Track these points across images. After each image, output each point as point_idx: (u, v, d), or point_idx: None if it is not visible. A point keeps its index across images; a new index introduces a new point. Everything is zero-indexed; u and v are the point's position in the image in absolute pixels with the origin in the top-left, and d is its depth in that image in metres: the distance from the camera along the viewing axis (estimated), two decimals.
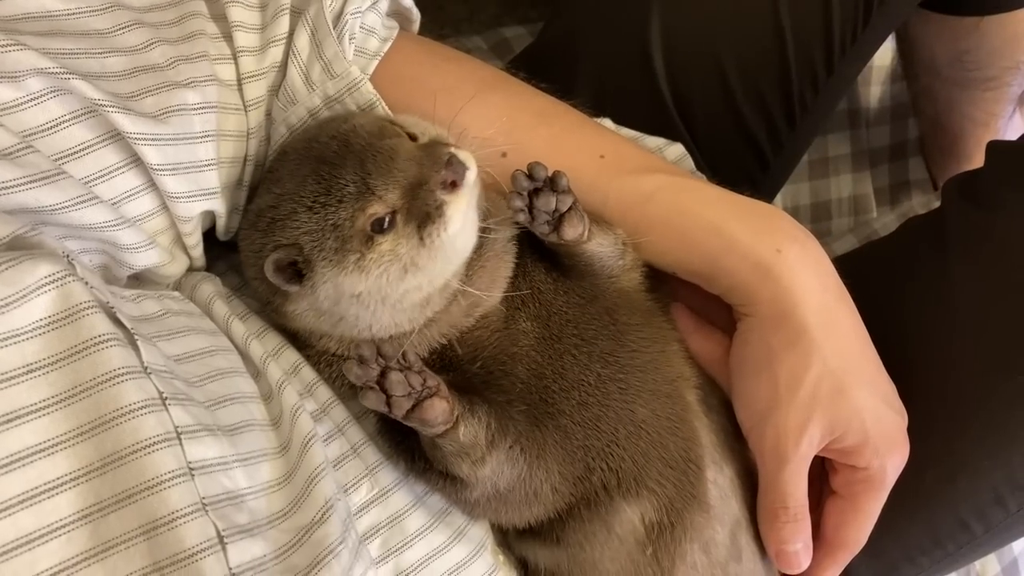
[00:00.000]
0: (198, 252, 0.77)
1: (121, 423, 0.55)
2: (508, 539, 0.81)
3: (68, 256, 0.57)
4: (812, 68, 0.98)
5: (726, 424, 0.80)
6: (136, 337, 0.58)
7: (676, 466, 0.74)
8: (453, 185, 0.67)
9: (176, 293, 0.75)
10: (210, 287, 0.78)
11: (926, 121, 1.36)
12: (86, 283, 0.57)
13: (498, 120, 0.80)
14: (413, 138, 0.72)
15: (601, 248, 0.76)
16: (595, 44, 1.01)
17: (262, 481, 0.63)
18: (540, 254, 0.77)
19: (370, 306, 0.70)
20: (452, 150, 0.68)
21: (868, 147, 1.41)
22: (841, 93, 1.05)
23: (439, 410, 0.64)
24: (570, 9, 1.05)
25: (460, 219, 0.67)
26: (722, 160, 1.00)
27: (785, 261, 0.75)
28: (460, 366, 0.73)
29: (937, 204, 1.25)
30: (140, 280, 0.75)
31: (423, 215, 0.67)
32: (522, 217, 0.71)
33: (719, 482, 0.77)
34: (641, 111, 0.94)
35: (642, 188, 0.78)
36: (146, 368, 0.58)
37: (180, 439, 0.57)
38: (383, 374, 0.62)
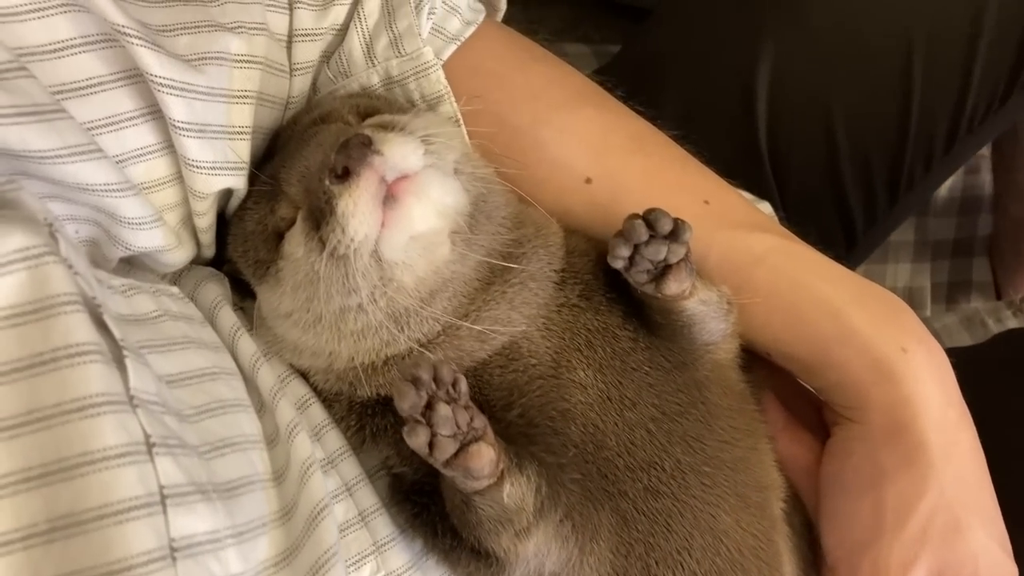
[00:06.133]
0: (208, 238, 0.63)
1: (88, 474, 0.40)
2: None
3: (51, 225, 0.42)
4: (931, 142, 0.87)
5: (806, 552, 0.69)
6: (125, 352, 0.43)
7: None
8: (345, 173, 0.54)
9: (175, 289, 0.61)
10: (216, 288, 0.64)
11: (1006, 220, 1.26)
12: (69, 266, 0.42)
13: (588, 138, 0.68)
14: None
15: (703, 307, 0.63)
16: (689, 72, 0.90)
17: (258, 561, 0.51)
18: (619, 292, 0.65)
19: (308, 329, 0.60)
20: (366, 131, 0.56)
21: (932, 238, 1.30)
22: (947, 176, 0.95)
23: (486, 459, 0.52)
24: (665, 28, 0.93)
25: (362, 220, 0.55)
26: (808, 227, 0.88)
27: (909, 364, 0.63)
28: (492, 412, 0.61)
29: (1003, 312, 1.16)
30: (132, 265, 0.60)
31: (318, 212, 0.56)
32: (620, 265, 0.59)
33: None
34: (729, 154, 0.82)
35: (752, 247, 0.66)
36: (132, 398, 0.43)
37: (165, 505, 0.42)
38: (429, 404, 0.51)
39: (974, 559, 0.62)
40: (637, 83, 0.88)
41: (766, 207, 0.82)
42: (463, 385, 0.53)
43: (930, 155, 0.88)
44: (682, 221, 0.58)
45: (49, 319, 0.41)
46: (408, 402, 0.50)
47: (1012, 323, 1.20)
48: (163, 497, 0.42)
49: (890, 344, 0.63)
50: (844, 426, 0.66)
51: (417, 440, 0.51)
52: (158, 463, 0.43)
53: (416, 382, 0.51)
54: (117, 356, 0.44)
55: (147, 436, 0.43)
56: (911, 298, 1.29)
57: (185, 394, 0.52)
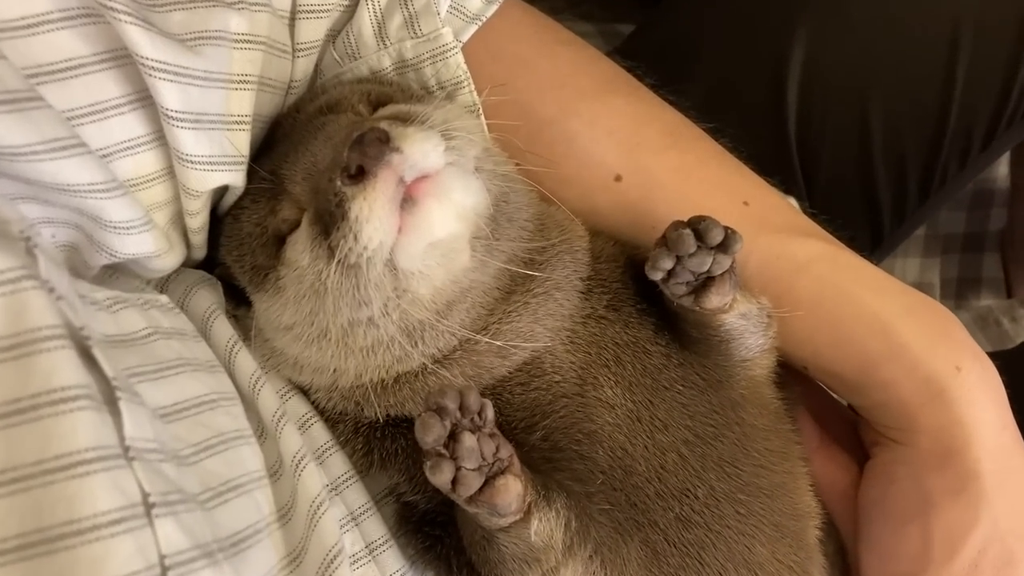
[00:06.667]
0: (200, 239, 0.57)
1: (76, 547, 0.33)
2: None
3: (28, 239, 0.36)
4: (968, 137, 0.82)
5: None
6: (118, 394, 0.37)
7: None
8: (360, 173, 0.48)
9: (164, 298, 0.54)
10: (209, 296, 0.58)
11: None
12: (51, 290, 0.35)
13: (619, 132, 0.62)
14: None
15: (743, 321, 0.59)
16: (715, 57, 0.84)
17: None
18: (649, 302, 0.60)
19: (312, 343, 0.54)
20: (383, 124, 0.49)
21: (942, 231, 1.25)
22: (978, 173, 0.89)
23: (514, 493, 0.47)
24: (688, 10, 0.88)
25: (377, 226, 0.49)
26: (834, 223, 0.83)
27: (963, 384, 0.58)
28: (514, 435, 0.55)
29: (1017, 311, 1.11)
30: (115, 269, 0.53)
31: (327, 215, 0.50)
32: (659, 277, 0.54)
33: None
34: (755, 141, 0.76)
35: (795, 255, 0.61)
36: (128, 449, 0.37)
37: None
38: (453, 435, 0.46)
39: None
40: (658, 67, 0.82)
41: (792, 202, 0.76)
42: (489, 412, 0.48)
43: (967, 151, 0.83)
44: (732, 231, 0.52)
45: (28, 358, 0.34)
46: (433, 435, 0.45)
47: None
48: (164, 569, 0.36)
49: (943, 362, 0.58)
50: (887, 448, 0.61)
51: (442, 477, 0.45)
52: (158, 527, 0.37)
53: (441, 412, 0.46)
54: (109, 396, 0.37)
55: (145, 495, 0.37)
56: None
57: (182, 429, 0.46)
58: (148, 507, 0.37)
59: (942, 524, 0.58)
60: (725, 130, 0.68)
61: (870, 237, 0.89)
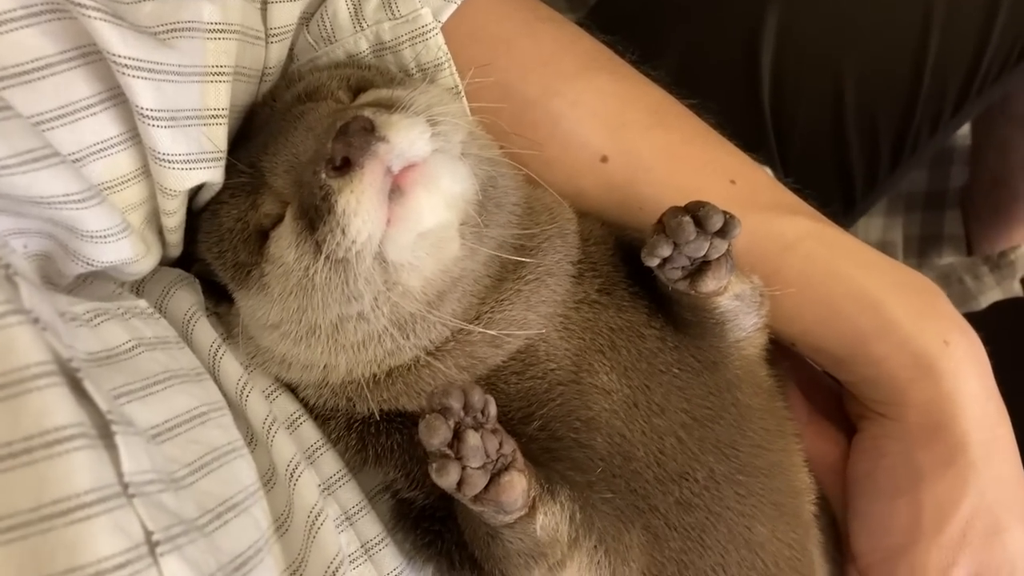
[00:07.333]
0: (176, 237, 0.54)
1: None
2: None
3: (7, 265, 0.33)
4: (940, 103, 0.82)
5: (834, 553, 0.65)
6: (113, 427, 0.35)
7: None
8: (345, 164, 0.47)
9: (143, 303, 0.52)
10: (189, 297, 0.55)
11: (985, 174, 1.22)
12: (35, 321, 0.33)
13: (604, 111, 0.60)
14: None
15: (737, 302, 0.58)
16: (688, 23, 0.83)
17: None
18: (641, 285, 0.59)
19: (300, 341, 0.53)
20: (366, 112, 0.48)
21: (905, 190, 1.27)
22: (947, 138, 0.89)
23: (519, 489, 0.46)
24: None
25: (366, 219, 0.47)
26: (808, 190, 0.83)
27: (952, 358, 0.59)
28: (511, 426, 0.54)
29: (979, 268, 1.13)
30: (90, 275, 0.51)
31: (312, 209, 0.48)
32: (654, 263, 0.52)
33: None
34: (728, 109, 0.75)
35: (783, 233, 0.60)
36: (127, 486, 0.35)
37: None
38: (456, 434, 0.45)
39: (1012, 562, 0.59)
40: (629, 35, 0.81)
41: (767, 172, 0.76)
42: (492, 408, 0.47)
43: (938, 116, 0.83)
44: (731, 216, 0.51)
45: (18, 398, 0.32)
46: (439, 437, 0.44)
47: (989, 280, 1.18)
48: None
49: (931, 337, 0.58)
50: (875, 422, 0.61)
51: (448, 479, 0.44)
52: (164, 566, 0.35)
53: (446, 412, 0.44)
54: (103, 429, 0.35)
55: (148, 535, 0.35)
56: (883, 252, 1.26)
57: (175, 449, 0.44)
58: (152, 546, 0.35)
59: (932, 497, 0.58)
60: (705, 104, 0.67)
61: (842, 203, 0.89)
